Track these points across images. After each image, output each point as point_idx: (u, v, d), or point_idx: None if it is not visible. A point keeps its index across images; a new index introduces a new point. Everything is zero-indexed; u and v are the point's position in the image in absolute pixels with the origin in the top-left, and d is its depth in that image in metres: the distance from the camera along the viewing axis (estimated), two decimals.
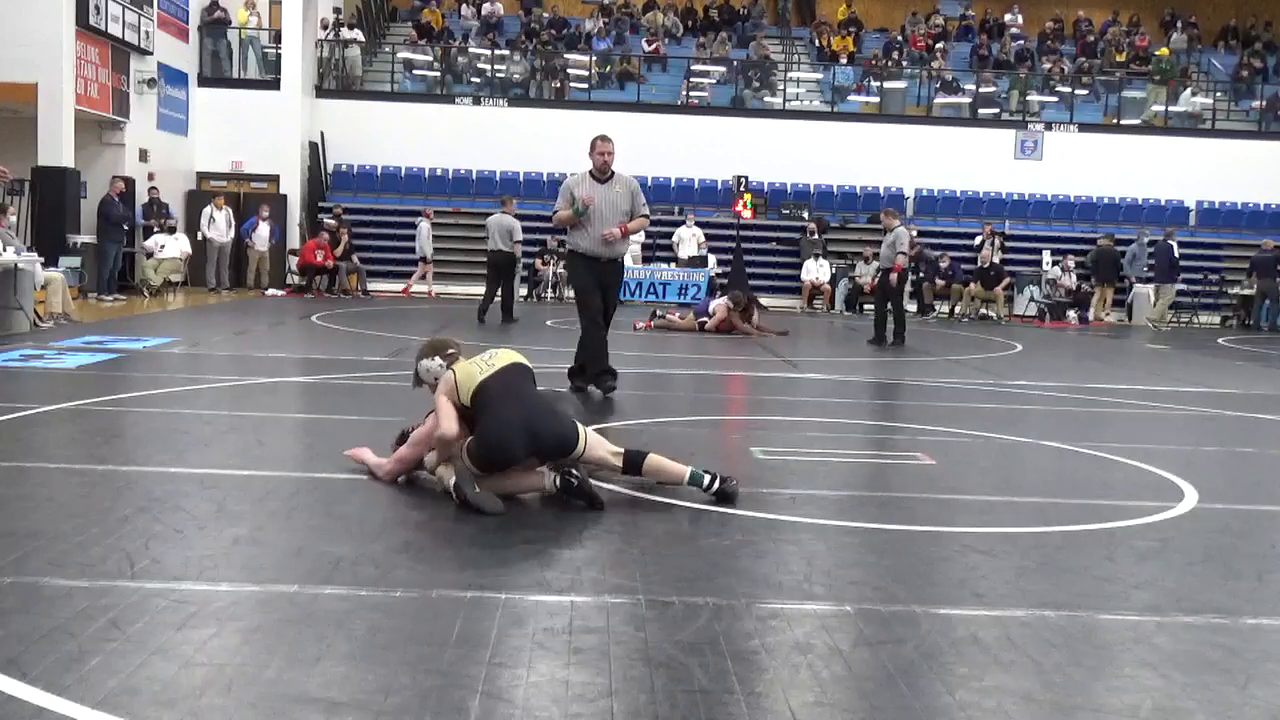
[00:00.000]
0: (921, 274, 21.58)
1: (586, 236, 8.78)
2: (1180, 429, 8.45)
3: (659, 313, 16.64)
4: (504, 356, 5.29)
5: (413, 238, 21.48)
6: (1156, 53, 27.12)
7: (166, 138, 21.56)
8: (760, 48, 26.25)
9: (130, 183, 19.47)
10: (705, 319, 15.68)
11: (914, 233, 14.87)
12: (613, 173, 8.84)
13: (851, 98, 25.67)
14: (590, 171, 8.81)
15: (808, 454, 6.96)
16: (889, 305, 14.61)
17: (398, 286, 21.65)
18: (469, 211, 23.41)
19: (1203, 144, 24.80)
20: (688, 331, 15.54)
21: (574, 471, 4.97)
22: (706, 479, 5.16)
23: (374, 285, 21.57)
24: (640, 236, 22.35)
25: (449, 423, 5.02)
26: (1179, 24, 28.34)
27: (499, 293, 16.00)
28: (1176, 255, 21.47)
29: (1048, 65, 26.55)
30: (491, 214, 16.67)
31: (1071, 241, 23.41)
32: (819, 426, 7.73)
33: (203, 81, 22.93)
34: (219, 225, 20.68)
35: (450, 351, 5.43)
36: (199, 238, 20.62)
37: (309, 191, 23.33)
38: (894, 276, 14.41)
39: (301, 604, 3.55)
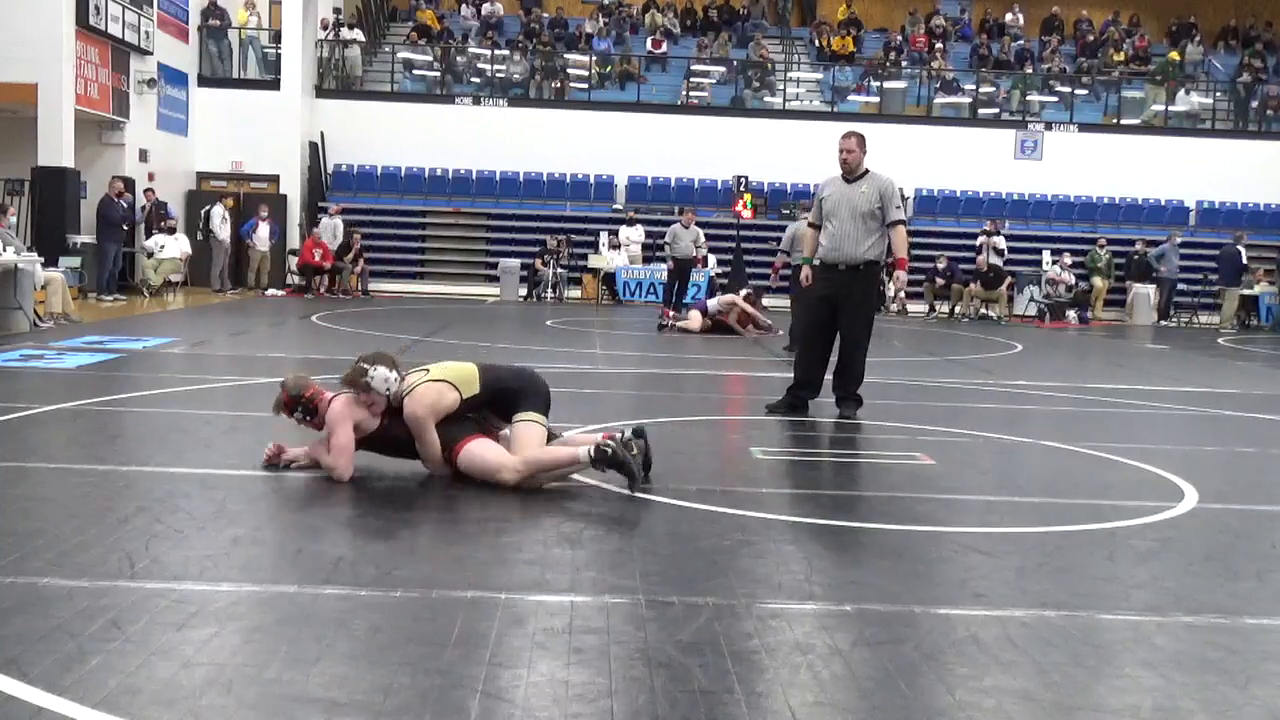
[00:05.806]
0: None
1: (824, 239, 7.97)
2: (1180, 429, 8.45)
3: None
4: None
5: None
6: (1169, 55, 27.04)
7: (166, 138, 21.56)
8: (760, 48, 26.25)
9: (130, 183, 19.46)
10: (711, 314, 15.54)
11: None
12: (866, 171, 8.02)
13: (851, 98, 25.66)
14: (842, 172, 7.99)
15: (808, 454, 6.97)
16: None
17: (398, 287, 21.66)
18: (469, 211, 23.43)
19: (1203, 144, 24.80)
20: (702, 332, 15.33)
21: (610, 443, 5.08)
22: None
23: (374, 285, 21.58)
24: (640, 236, 22.42)
25: (432, 449, 5.23)
26: (1189, 33, 28.21)
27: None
28: (1244, 260, 21.73)
29: (1047, 66, 26.54)
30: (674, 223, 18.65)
31: (1071, 241, 23.40)
32: (819, 426, 7.73)
33: (203, 82, 22.93)
34: (228, 225, 20.65)
35: (397, 364, 5.40)
36: (206, 238, 20.53)
37: (309, 191, 23.32)
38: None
39: (301, 604, 3.55)
